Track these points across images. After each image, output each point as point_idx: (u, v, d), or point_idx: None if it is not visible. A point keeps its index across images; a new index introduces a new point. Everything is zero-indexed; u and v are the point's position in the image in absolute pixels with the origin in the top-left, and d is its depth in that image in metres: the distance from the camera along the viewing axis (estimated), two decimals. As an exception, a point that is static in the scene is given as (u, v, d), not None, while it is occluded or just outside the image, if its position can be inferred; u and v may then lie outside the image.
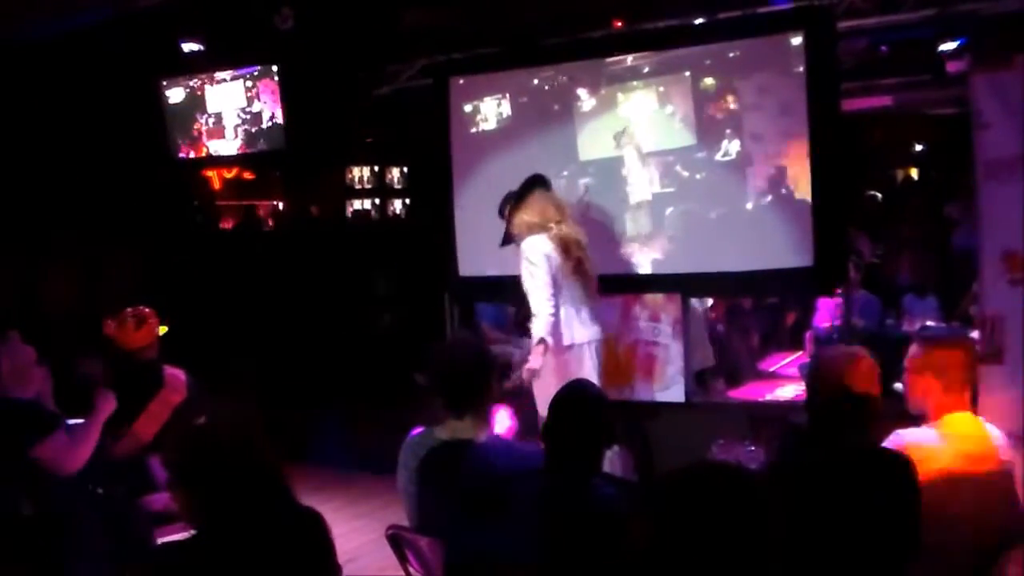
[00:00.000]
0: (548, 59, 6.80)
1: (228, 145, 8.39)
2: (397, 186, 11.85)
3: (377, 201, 11.77)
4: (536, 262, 5.33)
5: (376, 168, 11.64)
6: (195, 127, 8.45)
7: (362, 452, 6.67)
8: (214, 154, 8.47)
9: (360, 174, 11.53)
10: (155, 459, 4.57)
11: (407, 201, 11.72)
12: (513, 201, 5.63)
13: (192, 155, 8.61)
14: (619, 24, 7.68)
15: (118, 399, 4.66)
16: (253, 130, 8.22)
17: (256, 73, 8.15)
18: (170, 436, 4.53)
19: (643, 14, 7.63)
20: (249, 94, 8.17)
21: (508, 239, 5.67)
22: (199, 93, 8.37)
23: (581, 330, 5.44)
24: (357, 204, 11.64)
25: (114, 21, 7.01)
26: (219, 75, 8.26)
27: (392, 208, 11.68)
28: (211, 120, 8.39)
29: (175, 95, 8.44)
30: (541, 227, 5.47)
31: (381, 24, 8.03)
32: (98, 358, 5.14)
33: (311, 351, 7.22)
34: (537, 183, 5.71)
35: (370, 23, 8.19)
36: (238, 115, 8.26)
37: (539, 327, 5.23)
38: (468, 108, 6.92)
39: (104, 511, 4.39)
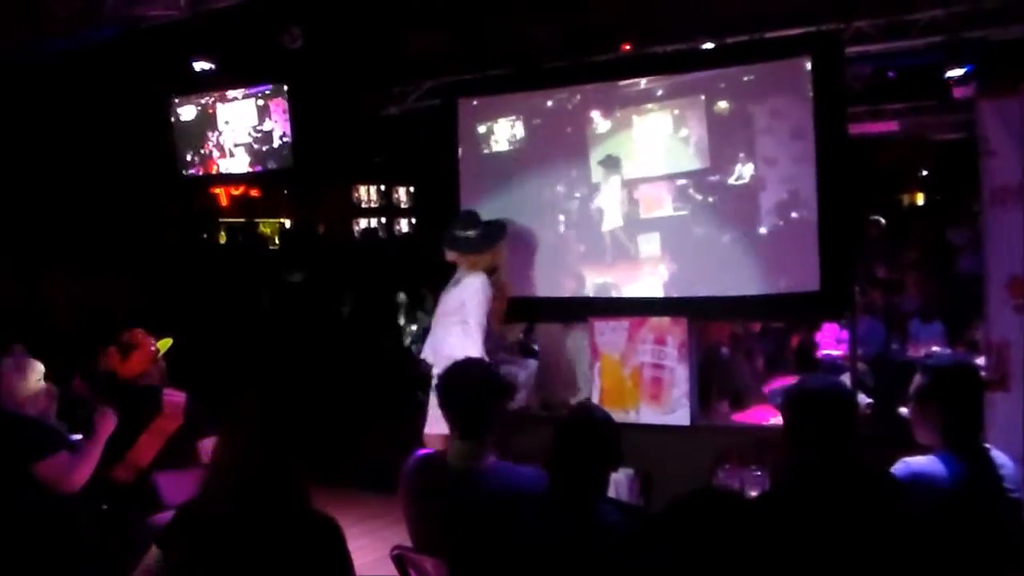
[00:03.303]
0: (555, 81, 6.81)
1: (238, 163, 8.42)
2: (403, 205, 11.89)
3: (383, 220, 11.82)
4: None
5: (382, 187, 11.69)
6: (205, 145, 8.49)
7: (367, 471, 6.65)
8: (224, 171, 8.50)
9: (367, 193, 11.58)
10: (162, 477, 4.56)
11: (413, 220, 11.76)
12: (496, 238, 6.16)
13: (201, 172, 8.64)
14: (627, 47, 7.72)
15: (117, 426, 4.66)
16: (264, 148, 8.25)
17: (268, 92, 8.18)
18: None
19: (651, 38, 7.68)
20: (260, 112, 8.20)
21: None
22: (210, 111, 8.41)
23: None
24: (363, 223, 11.70)
25: (125, 40, 7.06)
26: (231, 93, 8.30)
27: (398, 227, 11.71)
28: (221, 137, 8.42)
29: (186, 112, 8.49)
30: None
31: (389, 45, 8.08)
32: (92, 379, 5.13)
33: (315, 368, 7.21)
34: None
35: (378, 44, 8.24)
36: (249, 133, 8.29)
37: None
38: (482, 129, 6.90)
39: (107, 528, 4.39)
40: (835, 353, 8.24)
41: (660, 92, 6.36)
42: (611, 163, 6.47)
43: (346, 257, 9.79)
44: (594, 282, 6.53)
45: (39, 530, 4.25)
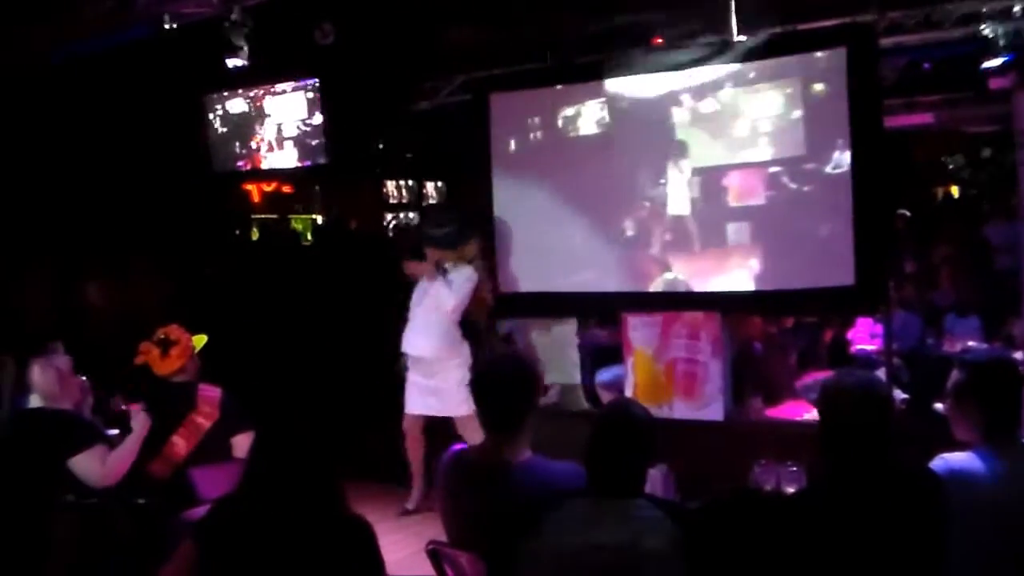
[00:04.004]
0: (587, 76, 6.79)
1: (286, 157, 8.37)
2: (434, 200, 11.90)
3: (411, 215, 11.83)
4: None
5: (411, 182, 11.70)
6: (253, 138, 8.47)
7: (401, 466, 6.67)
8: (272, 166, 8.45)
9: (397, 189, 11.59)
10: (197, 472, 4.60)
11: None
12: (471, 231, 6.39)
13: (249, 167, 8.62)
14: (659, 41, 7.68)
15: (153, 421, 4.71)
16: (313, 143, 8.22)
17: (317, 84, 8.15)
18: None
19: (683, 32, 7.63)
20: (310, 106, 8.15)
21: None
22: (258, 104, 8.37)
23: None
24: (391, 218, 11.72)
25: (156, 39, 7.10)
26: (279, 86, 8.26)
27: (429, 223, 11.70)
28: (270, 131, 8.38)
29: (235, 106, 8.45)
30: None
31: (421, 40, 8.08)
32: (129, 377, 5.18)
33: (349, 364, 7.24)
34: None
35: (410, 39, 8.24)
36: (298, 127, 8.25)
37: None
38: (570, 112, 6.74)
39: (143, 522, 4.43)
40: (869, 348, 8.16)
41: (752, 75, 6.19)
42: (698, 149, 6.32)
43: (379, 252, 9.81)
44: (677, 272, 6.41)
45: (72, 523, 4.30)
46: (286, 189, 11.16)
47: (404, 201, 11.71)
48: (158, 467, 4.75)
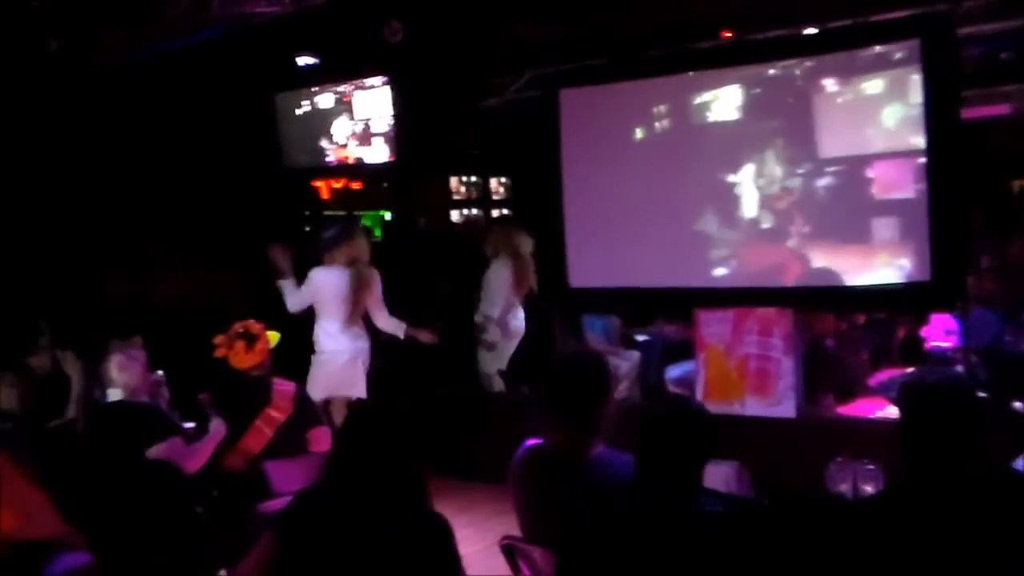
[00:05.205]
0: (657, 71, 6.74)
1: (376, 152, 8.41)
2: (500, 197, 11.90)
3: (475, 211, 11.84)
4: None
5: (475, 179, 11.71)
6: (342, 134, 8.51)
7: (471, 461, 6.69)
8: (361, 160, 8.49)
9: (464, 185, 11.60)
10: (271, 465, 4.66)
11: (504, 211, 11.76)
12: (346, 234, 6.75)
13: (336, 162, 8.68)
14: (728, 35, 7.61)
15: (228, 415, 4.78)
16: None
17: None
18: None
19: (753, 25, 7.54)
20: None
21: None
22: (346, 100, 8.42)
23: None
24: (455, 215, 11.74)
25: (231, 38, 7.20)
26: (368, 81, 8.29)
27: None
28: (359, 126, 8.42)
29: (324, 100, 8.49)
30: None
31: (489, 37, 8.08)
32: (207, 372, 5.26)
33: (419, 358, 7.28)
34: None
35: (478, 36, 8.25)
36: (388, 123, 8.27)
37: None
38: (707, 96, 6.46)
39: (217, 515, 4.49)
40: (944, 345, 8.00)
41: (898, 55, 5.85)
42: (842, 136, 6.04)
43: (446, 248, 9.84)
44: (817, 266, 6.18)
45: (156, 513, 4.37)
46: (355, 186, 11.21)
47: (470, 197, 11.73)
48: (233, 460, 4.83)
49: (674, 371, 6.89)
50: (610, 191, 6.70)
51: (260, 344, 5.06)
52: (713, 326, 6.32)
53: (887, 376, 6.73)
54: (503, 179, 12.03)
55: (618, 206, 6.67)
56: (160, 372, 5.22)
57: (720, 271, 6.46)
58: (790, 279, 6.24)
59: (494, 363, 7.52)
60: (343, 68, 8.30)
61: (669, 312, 6.90)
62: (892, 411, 6.57)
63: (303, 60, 7.08)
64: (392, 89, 8.05)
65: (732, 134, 6.39)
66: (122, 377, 4.81)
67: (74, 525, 3.37)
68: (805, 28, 7.35)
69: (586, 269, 6.85)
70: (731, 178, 6.36)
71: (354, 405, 5.46)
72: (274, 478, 4.62)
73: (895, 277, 5.91)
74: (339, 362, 6.60)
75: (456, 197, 11.82)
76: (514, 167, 11.35)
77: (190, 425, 5.07)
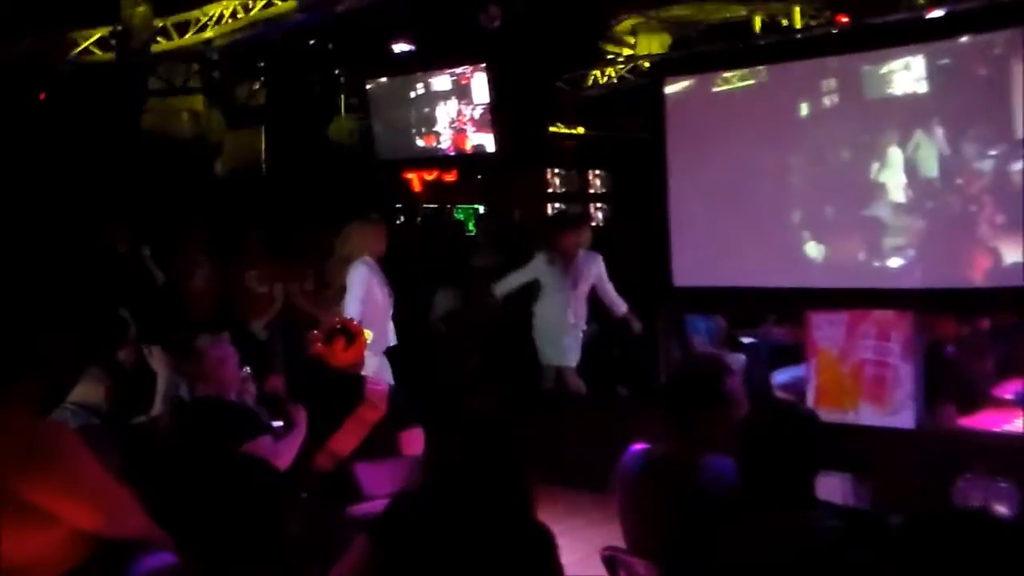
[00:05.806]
0: (763, 59, 6.45)
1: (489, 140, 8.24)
2: (597, 191, 11.70)
3: (574, 206, 11.64)
4: None
5: (573, 172, 11.52)
6: (459, 119, 8.35)
7: (567, 467, 6.50)
8: (476, 147, 8.32)
9: (560, 178, 11.43)
10: (361, 467, 4.52)
11: (598, 205, 11.57)
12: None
13: (453, 151, 8.53)
14: (843, 19, 7.37)
15: (318, 414, 4.67)
16: None
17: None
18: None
19: (866, 9, 7.27)
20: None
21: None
22: (464, 82, 8.22)
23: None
24: (550, 209, 11.55)
25: (324, 25, 7.13)
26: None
27: (594, 214, 11.51)
28: (477, 111, 8.26)
29: (439, 83, 8.32)
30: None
31: (590, 24, 7.90)
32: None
33: (516, 361, 7.13)
34: None
35: (577, 25, 8.07)
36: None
37: None
38: (885, 69, 5.89)
39: (306, 516, 4.36)
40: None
41: None
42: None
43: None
44: (1010, 261, 5.55)
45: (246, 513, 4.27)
46: (447, 178, 11.08)
47: (567, 191, 11.54)
48: (322, 460, 4.74)
49: (782, 376, 6.66)
50: (721, 182, 6.39)
51: (359, 342, 4.94)
52: (825, 329, 6.03)
53: (1017, 387, 6.31)
54: (602, 172, 11.82)
55: (728, 199, 6.37)
56: (247, 369, 5.12)
57: (895, 261, 5.94)
58: (978, 274, 5.71)
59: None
60: (439, 54, 8.14)
61: (778, 313, 6.59)
62: (1020, 424, 6.18)
63: (398, 47, 6.95)
64: (489, 76, 7.85)
65: (910, 109, 5.85)
66: (210, 373, 4.71)
67: (159, 524, 3.26)
68: (926, 12, 7.03)
69: (691, 267, 6.59)
70: (906, 157, 5.82)
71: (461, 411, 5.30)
72: (364, 480, 4.53)
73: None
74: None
75: (549, 190, 11.64)
76: (614, 159, 11.11)
77: (278, 424, 4.97)
